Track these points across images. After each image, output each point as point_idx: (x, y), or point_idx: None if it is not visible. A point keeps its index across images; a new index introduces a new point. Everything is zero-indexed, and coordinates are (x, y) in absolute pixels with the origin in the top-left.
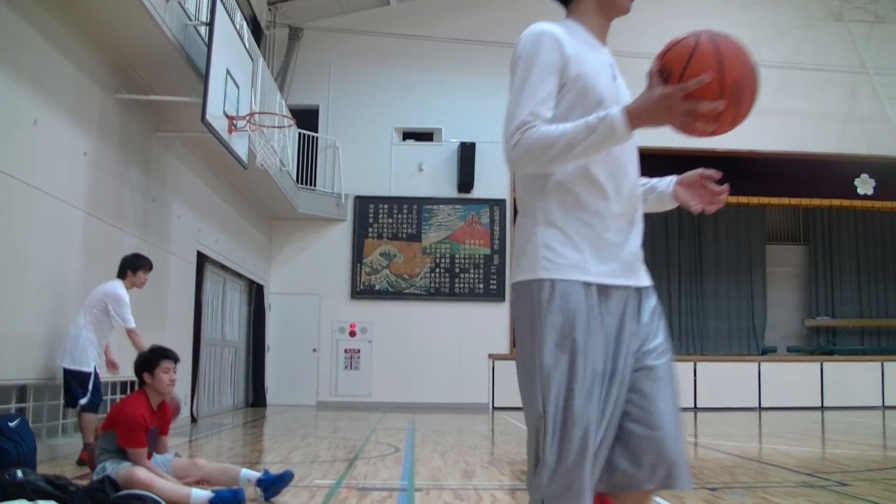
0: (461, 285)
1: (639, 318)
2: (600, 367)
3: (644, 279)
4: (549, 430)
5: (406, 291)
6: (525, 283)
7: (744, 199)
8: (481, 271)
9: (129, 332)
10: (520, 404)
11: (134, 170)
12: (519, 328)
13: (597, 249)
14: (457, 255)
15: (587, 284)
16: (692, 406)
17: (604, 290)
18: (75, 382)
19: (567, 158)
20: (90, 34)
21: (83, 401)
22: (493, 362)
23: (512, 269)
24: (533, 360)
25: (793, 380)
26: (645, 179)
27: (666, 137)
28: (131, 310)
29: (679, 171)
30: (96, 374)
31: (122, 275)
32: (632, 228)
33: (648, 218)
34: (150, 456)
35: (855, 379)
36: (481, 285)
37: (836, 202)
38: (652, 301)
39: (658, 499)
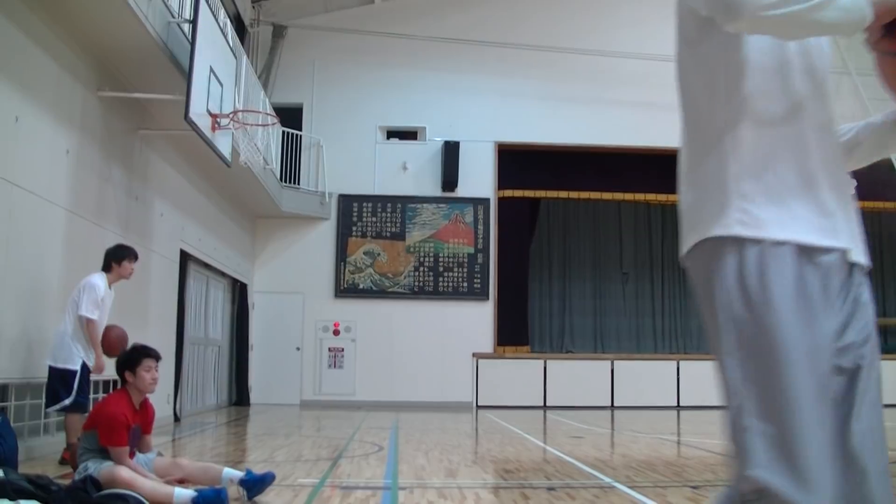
0: (445, 284)
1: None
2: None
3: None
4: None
5: (390, 290)
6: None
7: None
8: (465, 270)
9: (86, 322)
10: (503, 402)
11: (116, 168)
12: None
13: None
14: (441, 254)
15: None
16: (675, 404)
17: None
18: (59, 381)
19: (809, 20)
20: (73, 31)
21: (68, 400)
22: (477, 361)
23: (688, 226)
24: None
25: None
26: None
27: (649, 137)
28: (113, 306)
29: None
30: (83, 373)
31: (107, 268)
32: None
33: (631, 216)
34: (132, 455)
35: None
36: (465, 284)
37: None
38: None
39: (641, 496)
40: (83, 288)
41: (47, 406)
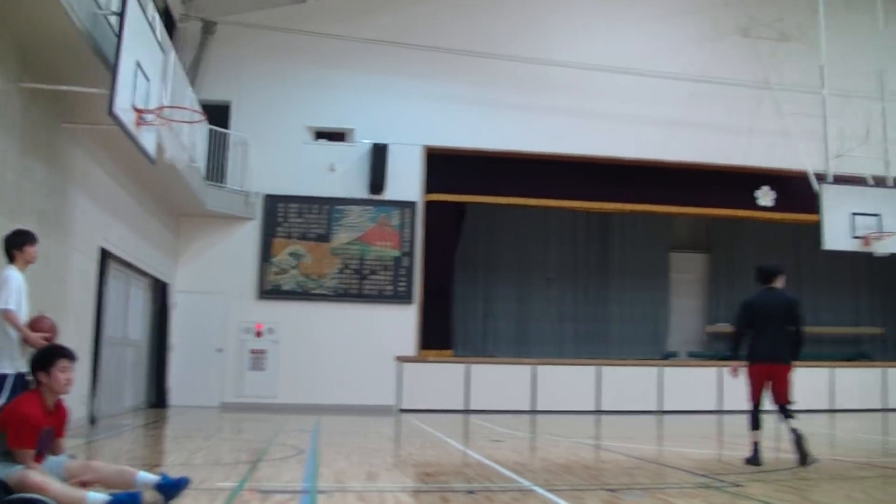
0: (370, 287)
1: None
2: None
3: None
4: None
5: (314, 292)
6: None
7: (651, 208)
8: (391, 273)
9: (4, 314)
10: (426, 406)
11: (36, 162)
12: None
13: None
14: (366, 257)
15: None
16: (595, 409)
17: None
18: None
19: None
20: None
21: None
22: (401, 364)
23: None
24: None
25: (693, 384)
26: None
27: (578, 145)
28: (25, 295)
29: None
30: (16, 377)
31: (11, 257)
32: None
33: (557, 222)
34: (42, 457)
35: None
36: (390, 287)
37: (739, 212)
38: None
39: (558, 499)
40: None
41: None
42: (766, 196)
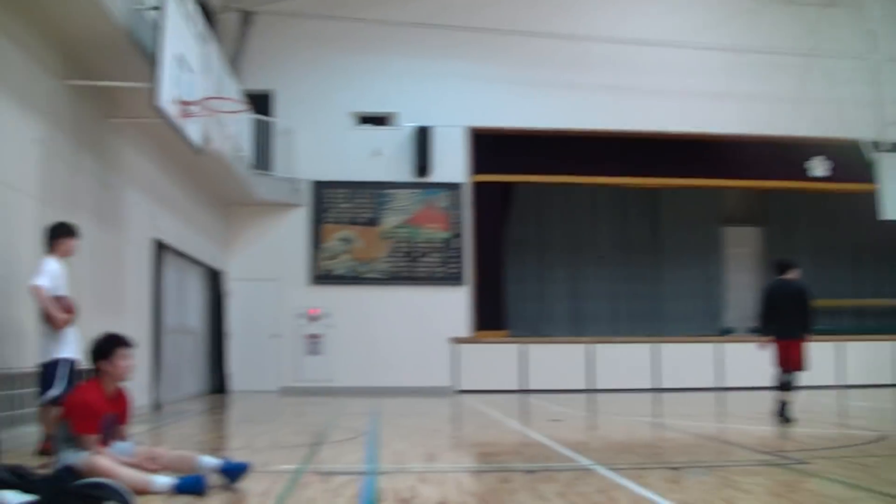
0: (421, 269)
1: None
2: None
3: None
4: None
5: (366, 276)
6: None
7: (701, 182)
8: (441, 255)
9: (32, 289)
10: (481, 387)
11: (87, 157)
12: None
13: None
14: (416, 240)
15: None
16: (653, 387)
17: None
18: (44, 374)
19: None
20: (38, 20)
21: (54, 392)
22: (455, 346)
23: None
24: None
25: (752, 360)
26: None
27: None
28: (64, 284)
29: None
30: (68, 364)
31: (50, 247)
32: None
33: (606, 200)
34: (107, 444)
35: (813, 358)
36: (441, 269)
37: (791, 184)
38: None
39: (620, 478)
40: (37, 273)
41: (39, 397)
42: (819, 166)
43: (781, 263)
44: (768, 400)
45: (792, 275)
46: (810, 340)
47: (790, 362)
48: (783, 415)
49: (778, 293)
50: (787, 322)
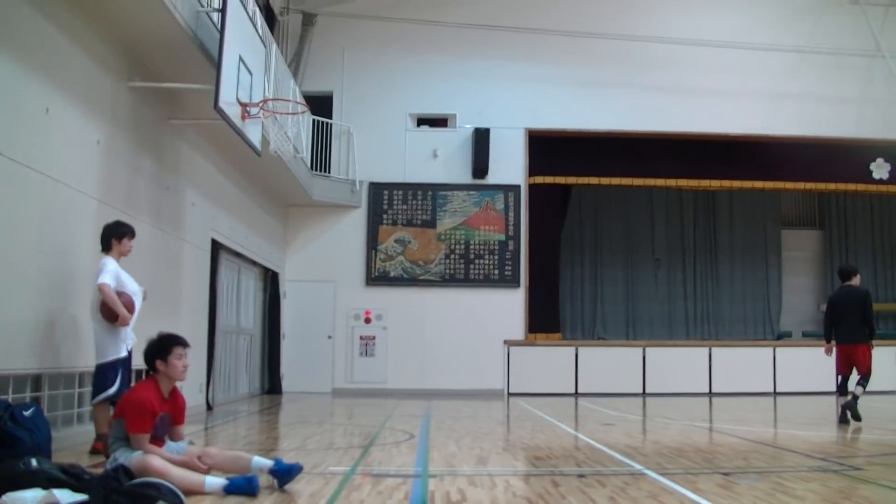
0: (476, 271)
1: None
2: None
3: None
4: None
5: (421, 278)
6: None
7: (758, 184)
8: (496, 257)
9: (99, 287)
10: (534, 390)
11: (147, 158)
12: None
13: None
14: (471, 242)
15: None
16: (707, 391)
17: None
18: (100, 374)
19: None
20: (102, 22)
21: (110, 391)
22: (509, 348)
23: None
24: None
25: (808, 365)
26: None
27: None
28: (126, 281)
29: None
30: (123, 363)
31: (107, 247)
32: None
33: (662, 202)
34: (161, 443)
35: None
36: (496, 271)
37: (852, 186)
38: None
39: (671, 483)
40: (95, 277)
41: (92, 398)
42: (880, 168)
43: (844, 270)
44: (824, 405)
45: (855, 281)
46: (872, 346)
47: (857, 366)
48: (846, 417)
49: (840, 300)
50: (848, 328)
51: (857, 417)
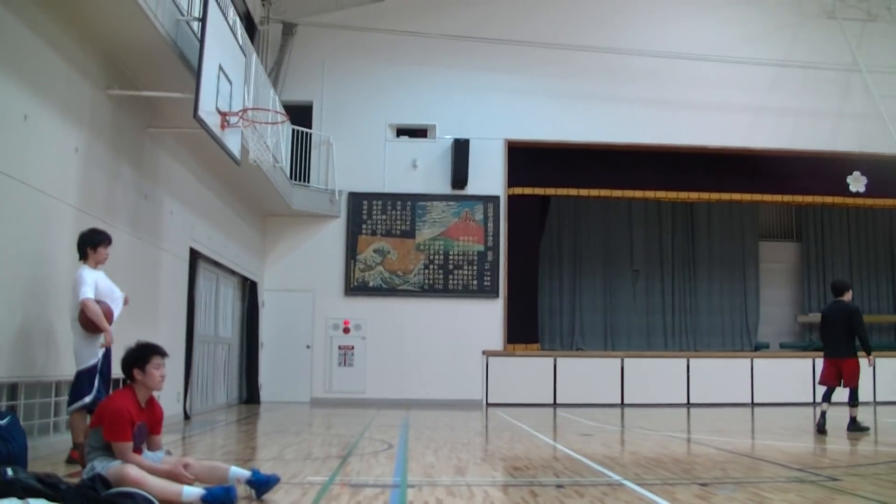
0: (455, 282)
1: None
2: None
3: None
4: None
5: (400, 288)
6: None
7: (737, 196)
8: (475, 268)
9: (82, 304)
10: (513, 400)
11: (126, 166)
12: None
13: None
14: (451, 252)
15: None
16: (685, 402)
17: None
18: (78, 380)
19: None
20: (81, 30)
21: (88, 398)
22: (487, 359)
23: None
24: None
25: (785, 376)
26: None
27: (660, 134)
28: (105, 290)
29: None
30: (101, 369)
31: (83, 255)
32: None
33: (641, 213)
34: (140, 452)
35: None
36: (475, 282)
37: (829, 199)
38: None
39: (649, 493)
40: (73, 288)
41: (68, 405)
42: (857, 181)
43: (836, 285)
44: (801, 416)
45: (846, 297)
46: (870, 360)
47: (844, 380)
48: (822, 427)
49: (830, 314)
50: (835, 342)
51: (863, 429)
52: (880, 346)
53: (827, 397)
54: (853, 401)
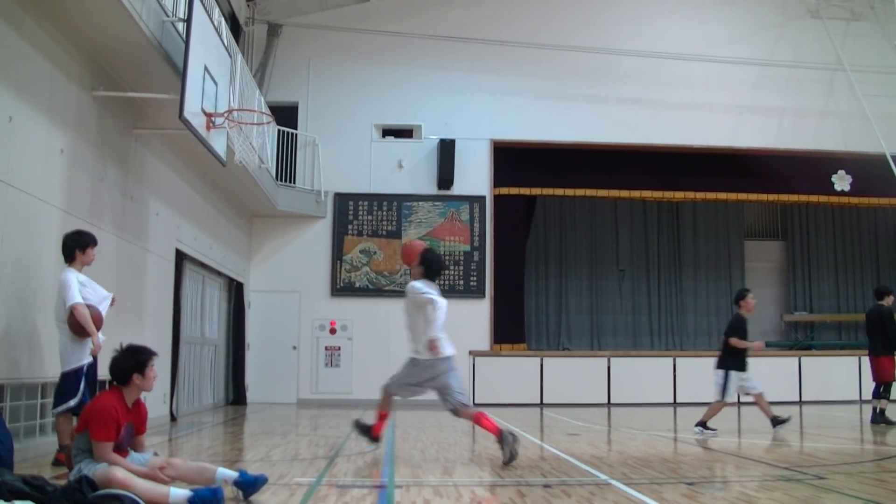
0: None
1: None
2: None
3: None
4: None
5: (386, 288)
6: None
7: (722, 195)
8: (461, 268)
9: (72, 309)
10: (500, 400)
11: (111, 167)
12: None
13: None
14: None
15: None
16: (672, 401)
17: None
18: (63, 382)
19: None
20: (67, 31)
21: (73, 401)
22: (474, 359)
23: None
24: None
25: (771, 375)
26: None
27: (646, 134)
28: (90, 291)
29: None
30: (87, 372)
31: (70, 258)
32: None
33: (627, 213)
34: (126, 454)
35: (832, 373)
36: (462, 282)
37: (814, 198)
38: None
39: (636, 493)
40: (59, 290)
41: (53, 407)
42: (842, 180)
43: (877, 290)
44: (786, 415)
45: (886, 301)
46: (887, 357)
47: (872, 374)
48: (880, 419)
49: (868, 316)
50: (871, 341)
51: (890, 423)
52: (861, 345)
53: (877, 394)
54: (880, 395)
